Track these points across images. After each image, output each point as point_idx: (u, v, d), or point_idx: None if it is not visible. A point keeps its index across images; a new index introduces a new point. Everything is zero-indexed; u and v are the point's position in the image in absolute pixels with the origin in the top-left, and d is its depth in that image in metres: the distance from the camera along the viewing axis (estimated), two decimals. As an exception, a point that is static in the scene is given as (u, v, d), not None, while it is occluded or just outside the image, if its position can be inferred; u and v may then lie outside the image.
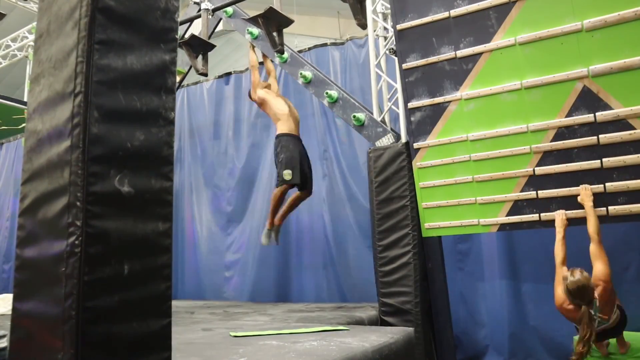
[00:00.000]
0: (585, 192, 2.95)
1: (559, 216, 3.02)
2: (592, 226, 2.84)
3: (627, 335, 3.19)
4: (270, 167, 5.66)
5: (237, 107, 6.11)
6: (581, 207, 2.96)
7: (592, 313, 2.64)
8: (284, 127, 4.38)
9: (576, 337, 3.36)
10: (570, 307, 2.75)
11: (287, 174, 4.06)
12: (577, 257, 2.94)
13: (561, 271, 2.87)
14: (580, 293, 2.66)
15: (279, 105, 4.51)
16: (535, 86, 3.12)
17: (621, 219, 2.89)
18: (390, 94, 4.09)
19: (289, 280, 5.41)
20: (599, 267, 2.73)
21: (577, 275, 2.70)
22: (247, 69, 6.14)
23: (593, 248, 2.79)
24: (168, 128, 1.55)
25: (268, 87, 4.74)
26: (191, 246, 6.24)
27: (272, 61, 4.76)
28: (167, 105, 1.56)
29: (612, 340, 3.08)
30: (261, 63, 5.00)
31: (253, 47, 4.79)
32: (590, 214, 2.87)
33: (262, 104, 4.63)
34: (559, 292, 2.81)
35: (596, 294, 2.68)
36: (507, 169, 3.22)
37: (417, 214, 3.61)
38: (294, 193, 4.41)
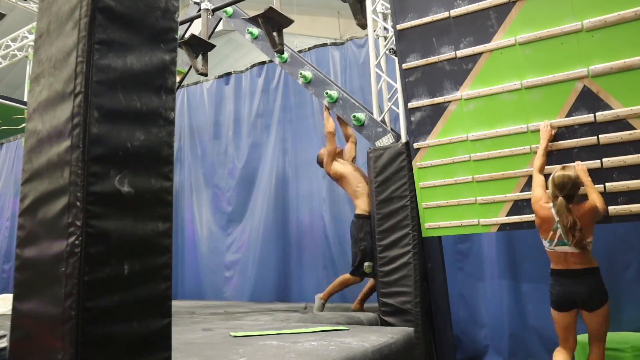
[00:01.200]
0: (580, 168, 2.89)
1: (545, 127, 3.03)
2: (596, 200, 2.76)
3: (627, 335, 3.20)
4: (270, 167, 5.67)
5: (237, 107, 6.12)
6: None
7: (568, 206, 2.63)
8: (365, 206, 3.94)
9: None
10: (547, 204, 2.75)
11: (368, 267, 3.83)
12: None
13: (538, 177, 2.91)
14: (564, 184, 2.66)
15: (358, 182, 4.06)
16: (535, 86, 3.12)
17: (621, 219, 2.89)
18: (390, 94, 4.09)
19: (289, 280, 5.42)
20: (594, 197, 2.72)
21: (569, 170, 2.72)
22: (246, 69, 6.16)
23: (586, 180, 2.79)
24: (168, 128, 1.55)
25: (340, 153, 4.28)
26: (191, 246, 6.24)
27: (349, 127, 4.23)
28: (167, 105, 1.56)
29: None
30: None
31: (328, 109, 4.23)
32: (590, 187, 2.83)
33: (338, 179, 4.17)
34: (537, 192, 2.85)
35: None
36: (507, 169, 3.22)
37: (417, 214, 3.60)
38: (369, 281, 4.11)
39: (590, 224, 2.69)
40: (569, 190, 2.66)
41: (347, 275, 4.00)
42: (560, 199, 2.65)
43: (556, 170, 2.75)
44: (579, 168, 2.89)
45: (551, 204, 2.73)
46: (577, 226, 2.59)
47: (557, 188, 2.68)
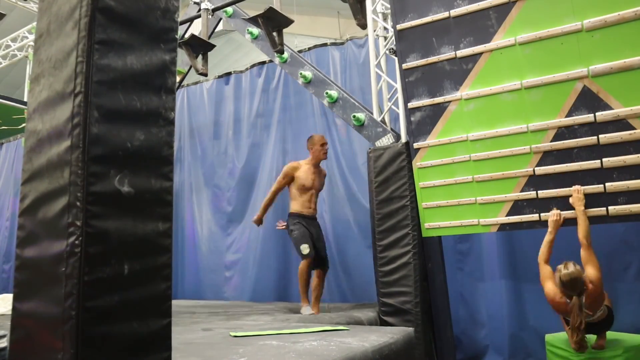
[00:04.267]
0: (576, 195, 2.94)
1: (553, 217, 3.01)
2: (581, 231, 2.86)
3: (621, 335, 3.19)
4: (270, 167, 5.67)
5: (237, 107, 6.11)
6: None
7: (582, 304, 2.69)
8: (295, 206, 4.29)
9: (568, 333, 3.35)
10: (562, 300, 2.79)
11: (305, 249, 4.02)
12: (574, 258, 2.94)
13: (545, 269, 2.92)
14: (572, 284, 2.70)
15: (295, 188, 4.32)
16: (535, 86, 3.12)
17: (621, 219, 2.89)
18: (390, 94, 4.09)
19: (289, 280, 5.41)
20: (590, 271, 2.77)
21: (571, 267, 2.75)
22: (246, 69, 6.15)
23: (584, 253, 2.83)
24: (168, 128, 1.55)
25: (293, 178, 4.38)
26: (191, 246, 6.23)
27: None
28: (167, 105, 1.56)
29: (592, 337, 3.05)
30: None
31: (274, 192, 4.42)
32: (581, 218, 2.89)
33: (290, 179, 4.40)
34: (549, 286, 2.86)
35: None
36: (507, 169, 3.22)
37: (417, 214, 3.60)
38: (313, 276, 4.19)
39: (598, 300, 2.79)
40: (580, 287, 2.71)
41: (300, 268, 4.07)
42: (575, 298, 2.69)
43: (560, 270, 2.78)
44: (575, 196, 2.95)
45: (567, 300, 2.77)
46: (582, 327, 2.69)
47: (568, 288, 2.73)
